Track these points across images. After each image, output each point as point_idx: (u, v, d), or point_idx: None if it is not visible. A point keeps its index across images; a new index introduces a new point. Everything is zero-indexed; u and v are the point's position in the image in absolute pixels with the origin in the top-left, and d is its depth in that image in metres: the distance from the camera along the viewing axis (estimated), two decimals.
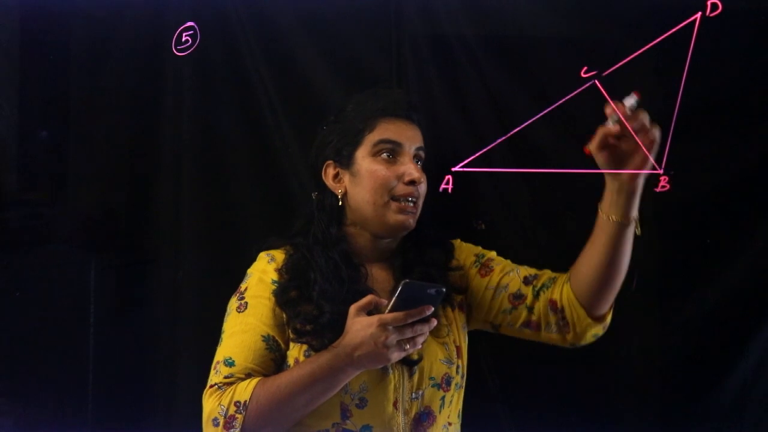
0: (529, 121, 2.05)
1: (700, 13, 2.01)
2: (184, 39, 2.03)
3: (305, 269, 1.59)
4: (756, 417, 2.08)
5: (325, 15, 2.05)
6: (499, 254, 1.76)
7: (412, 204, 1.60)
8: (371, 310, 1.44)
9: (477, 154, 2.07)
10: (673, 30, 2.02)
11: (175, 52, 2.03)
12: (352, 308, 1.44)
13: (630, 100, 1.40)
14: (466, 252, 1.73)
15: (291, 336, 1.55)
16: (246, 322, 1.56)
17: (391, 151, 1.60)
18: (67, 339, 2.03)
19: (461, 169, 2.08)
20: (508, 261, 1.71)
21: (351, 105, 1.65)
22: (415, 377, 1.54)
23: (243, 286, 1.62)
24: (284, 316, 1.56)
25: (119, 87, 2.06)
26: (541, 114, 2.05)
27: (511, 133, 2.06)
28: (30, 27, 2.08)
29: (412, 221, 1.60)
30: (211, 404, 1.50)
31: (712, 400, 2.08)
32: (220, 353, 1.56)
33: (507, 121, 2.06)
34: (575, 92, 2.04)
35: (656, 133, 1.47)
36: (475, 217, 2.11)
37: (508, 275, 1.67)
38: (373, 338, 1.39)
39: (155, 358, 2.09)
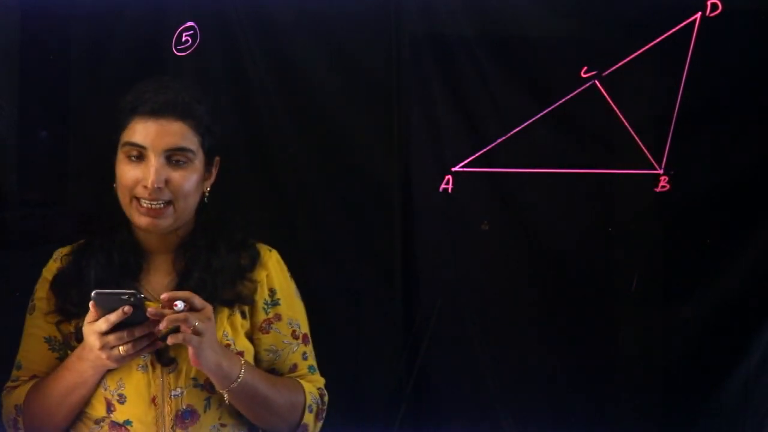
0: (529, 121, 2.06)
1: (700, 13, 2.01)
2: (184, 39, 2.03)
3: (82, 256, 1.63)
4: (758, 417, 2.08)
5: (325, 15, 2.05)
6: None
7: (159, 207, 1.55)
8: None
9: (477, 154, 2.08)
10: (673, 30, 2.02)
11: (175, 52, 2.03)
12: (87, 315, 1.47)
13: (179, 305, 1.44)
14: (270, 278, 1.67)
15: (59, 318, 1.61)
16: (32, 324, 1.65)
17: (136, 153, 1.55)
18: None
19: (461, 169, 2.08)
20: (288, 336, 1.66)
21: (125, 94, 1.61)
22: (174, 376, 1.56)
23: (35, 287, 1.68)
24: (58, 315, 1.61)
25: (119, 87, 2.05)
26: (541, 114, 2.06)
27: (511, 133, 2.07)
28: (30, 27, 2.08)
29: (159, 222, 1.56)
30: (3, 406, 1.64)
31: (714, 400, 2.08)
32: (17, 355, 1.66)
33: (507, 121, 2.06)
34: (575, 92, 2.04)
35: (192, 342, 1.45)
36: (475, 217, 2.11)
37: (282, 351, 1.65)
38: (91, 345, 1.45)
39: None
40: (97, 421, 1.58)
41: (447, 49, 2.07)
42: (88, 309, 1.47)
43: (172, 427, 1.55)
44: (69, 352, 1.59)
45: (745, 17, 2.03)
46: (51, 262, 1.68)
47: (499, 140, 2.06)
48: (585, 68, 2.04)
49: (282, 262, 1.70)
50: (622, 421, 2.13)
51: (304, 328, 1.69)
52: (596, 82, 2.03)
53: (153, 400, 1.55)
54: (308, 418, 1.63)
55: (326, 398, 1.68)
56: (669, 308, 2.11)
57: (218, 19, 2.05)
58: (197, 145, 1.58)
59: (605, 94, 2.04)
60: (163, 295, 1.46)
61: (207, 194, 1.64)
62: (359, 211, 2.09)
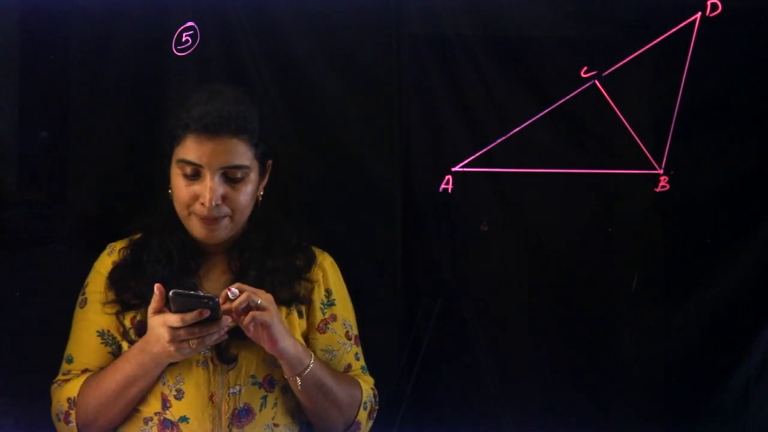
0: (529, 121, 2.06)
1: (700, 13, 2.02)
2: (184, 39, 2.03)
3: (141, 251, 1.65)
4: (759, 416, 2.08)
5: (325, 15, 2.05)
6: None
7: (214, 219, 1.57)
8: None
9: (477, 154, 2.08)
10: (673, 30, 2.02)
11: (175, 52, 2.03)
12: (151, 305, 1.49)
13: (233, 290, 1.48)
14: (326, 279, 1.70)
15: (118, 309, 1.62)
16: (84, 318, 1.65)
17: (192, 171, 1.57)
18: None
19: (461, 169, 2.08)
20: (342, 336, 1.69)
21: (176, 104, 1.62)
22: (233, 373, 1.58)
23: (87, 280, 1.69)
24: (117, 305, 1.62)
25: (119, 87, 2.06)
26: (541, 114, 2.06)
27: (511, 133, 2.07)
28: (30, 27, 2.08)
29: (217, 233, 1.59)
30: (53, 400, 1.63)
31: (715, 400, 2.08)
32: (66, 349, 1.67)
33: (507, 121, 2.06)
34: (575, 92, 2.04)
35: (263, 318, 1.48)
36: (475, 217, 2.11)
37: (337, 351, 1.68)
38: (159, 337, 1.46)
39: None
40: (147, 420, 1.58)
41: (447, 49, 2.07)
42: (148, 302, 1.49)
43: (228, 426, 1.57)
44: (123, 345, 1.61)
45: (745, 17, 2.03)
46: (104, 255, 1.69)
47: (499, 140, 2.06)
48: (585, 68, 2.04)
49: (335, 265, 1.74)
50: (623, 421, 2.13)
51: (355, 329, 1.72)
52: (596, 82, 2.03)
53: (211, 397, 1.57)
54: (362, 415, 1.65)
55: (377, 398, 1.70)
56: (669, 308, 2.11)
57: (218, 19, 2.05)
58: (252, 158, 1.59)
59: (605, 94, 2.04)
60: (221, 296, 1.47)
61: (260, 198, 1.66)
62: (359, 211, 2.09)
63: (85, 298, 1.67)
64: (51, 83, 2.09)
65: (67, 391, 1.61)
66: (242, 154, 1.57)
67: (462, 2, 2.05)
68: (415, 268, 2.10)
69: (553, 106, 2.05)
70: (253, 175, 1.61)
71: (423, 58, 2.08)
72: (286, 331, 1.52)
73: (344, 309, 1.71)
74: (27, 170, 2.12)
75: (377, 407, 1.70)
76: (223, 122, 1.55)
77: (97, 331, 1.63)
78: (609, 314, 2.13)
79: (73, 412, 1.59)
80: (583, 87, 2.03)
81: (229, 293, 1.46)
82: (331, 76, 2.07)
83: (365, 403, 1.65)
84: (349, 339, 1.69)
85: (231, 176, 1.57)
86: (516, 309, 2.12)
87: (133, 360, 1.54)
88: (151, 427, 1.58)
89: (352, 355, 1.69)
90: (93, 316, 1.64)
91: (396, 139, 2.08)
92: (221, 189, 1.56)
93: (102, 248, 1.73)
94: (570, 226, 2.11)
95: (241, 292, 1.47)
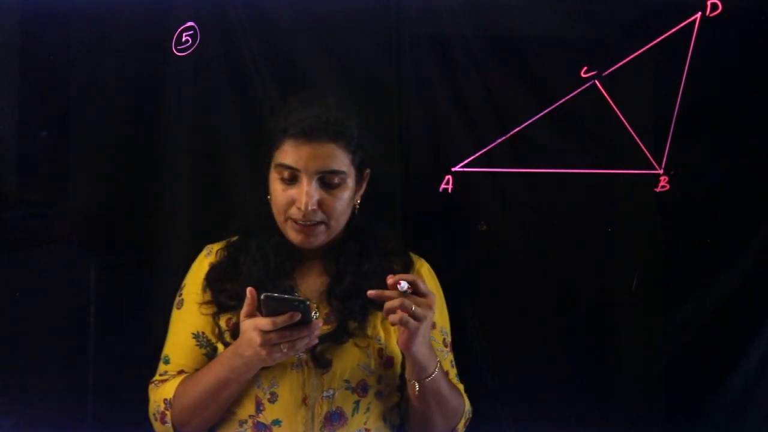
0: (529, 121, 2.06)
1: (700, 13, 2.02)
2: (184, 39, 2.03)
3: (238, 253, 1.66)
4: (758, 417, 2.08)
5: (325, 15, 2.05)
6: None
7: (310, 225, 1.59)
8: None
9: (477, 154, 2.08)
10: (673, 30, 2.02)
11: (175, 52, 2.03)
12: (243, 308, 1.49)
13: (403, 284, 1.48)
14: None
15: (215, 310, 1.62)
16: (181, 319, 1.68)
17: (289, 175, 1.58)
18: (67, 339, 2.03)
19: (461, 169, 2.08)
20: (440, 344, 1.70)
21: (277, 111, 1.64)
22: (327, 377, 1.58)
23: (184, 281, 1.70)
24: (213, 306, 1.63)
25: (119, 87, 2.06)
26: (541, 114, 2.06)
27: (511, 133, 2.07)
28: (30, 27, 2.08)
29: (313, 240, 1.60)
30: (150, 400, 1.67)
31: (713, 400, 2.08)
32: (163, 350, 1.69)
33: (507, 121, 2.06)
34: (575, 92, 2.04)
35: (408, 325, 1.47)
36: (475, 217, 2.11)
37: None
38: (251, 341, 1.46)
39: (155, 357, 2.09)
40: (242, 422, 1.60)
41: (447, 49, 2.07)
42: (240, 306, 1.49)
43: (320, 429, 1.57)
44: (218, 347, 1.62)
45: (745, 17, 2.03)
46: (201, 257, 1.70)
47: (499, 140, 2.06)
48: (585, 68, 2.04)
49: (433, 271, 1.75)
50: (622, 421, 2.13)
51: (450, 336, 1.73)
52: (596, 82, 2.03)
53: (304, 400, 1.58)
54: (461, 424, 1.67)
55: (471, 406, 1.72)
56: (669, 308, 2.11)
57: (218, 19, 2.05)
58: (348, 164, 1.61)
59: (605, 94, 2.04)
60: (390, 279, 1.47)
61: (357, 206, 1.67)
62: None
63: (182, 299, 1.68)
64: (51, 83, 2.09)
65: (163, 391, 1.62)
66: (339, 159, 1.58)
67: (462, 2, 2.05)
68: None
69: (553, 106, 2.05)
70: (350, 182, 1.62)
71: (423, 58, 2.08)
72: (424, 341, 1.52)
73: (442, 316, 1.71)
74: (27, 170, 2.12)
75: (471, 416, 1.72)
76: (321, 126, 1.56)
77: (192, 333, 1.65)
78: (609, 314, 2.13)
79: (168, 413, 1.60)
80: (583, 87, 2.04)
81: (398, 286, 1.46)
82: (331, 76, 2.07)
83: (466, 412, 1.68)
84: (446, 346, 1.70)
85: (328, 182, 1.58)
86: (516, 309, 2.12)
87: (226, 363, 1.54)
88: (246, 429, 1.59)
89: (448, 363, 1.70)
90: (189, 317, 1.65)
91: (396, 139, 2.08)
92: (317, 194, 1.57)
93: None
94: (570, 226, 2.11)
95: (410, 286, 1.47)
